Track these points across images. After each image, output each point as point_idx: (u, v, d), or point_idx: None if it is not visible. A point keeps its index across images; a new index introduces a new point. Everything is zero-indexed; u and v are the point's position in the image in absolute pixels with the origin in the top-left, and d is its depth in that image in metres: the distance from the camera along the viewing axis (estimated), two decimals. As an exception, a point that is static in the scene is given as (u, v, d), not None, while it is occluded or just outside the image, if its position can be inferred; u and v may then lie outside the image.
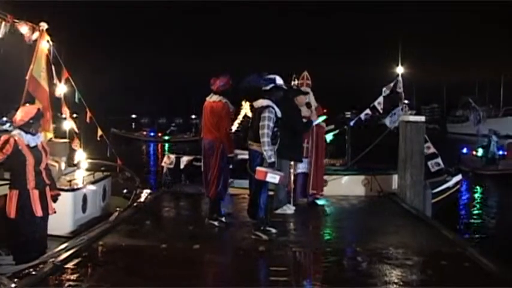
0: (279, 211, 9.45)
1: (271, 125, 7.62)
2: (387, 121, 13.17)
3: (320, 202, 10.48)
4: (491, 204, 19.59)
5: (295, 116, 9.43)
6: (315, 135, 10.31)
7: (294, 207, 9.79)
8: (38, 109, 7.10)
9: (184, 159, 12.67)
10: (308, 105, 10.03)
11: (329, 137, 12.50)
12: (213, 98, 8.57)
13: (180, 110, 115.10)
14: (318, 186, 10.46)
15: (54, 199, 7.10)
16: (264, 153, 7.57)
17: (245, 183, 8.77)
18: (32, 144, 6.75)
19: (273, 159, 7.60)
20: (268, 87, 7.87)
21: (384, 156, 12.18)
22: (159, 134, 56.73)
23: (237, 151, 9.11)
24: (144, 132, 58.48)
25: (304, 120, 9.66)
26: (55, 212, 7.04)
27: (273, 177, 7.61)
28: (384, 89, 13.19)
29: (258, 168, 7.62)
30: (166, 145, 49.65)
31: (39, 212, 6.75)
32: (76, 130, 10.92)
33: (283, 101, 8.50)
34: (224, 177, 8.62)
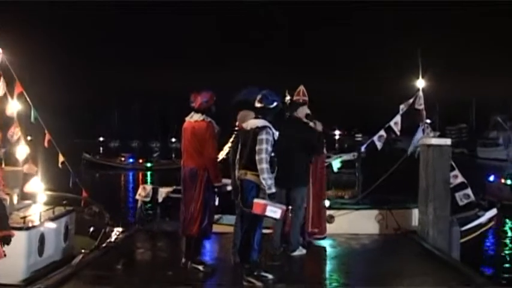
0: (296, 253, 9.47)
1: (270, 149, 7.64)
2: (411, 148, 13.11)
3: (320, 242, 10.45)
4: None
5: (312, 136, 9.55)
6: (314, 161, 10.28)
7: (304, 250, 9.76)
8: None
9: (163, 191, 12.64)
10: (308, 116, 10.04)
11: (336, 164, 12.51)
12: (194, 118, 8.54)
13: (155, 132, 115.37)
14: (319, 224, 10.43)
15: (6, 241, 6.93)
16: (263, 182, 7.55)
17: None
18: None
19: (273, 190, 7.59)
20: (272, 105, 7.95)
21: (402, 187, 12.19)
22: (140, 161, 57.21)
23: (225, 180, 9.08)
24: (122, 159, 59.00)
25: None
26: (5, 256, 6.91)
27: (273, 211, 7.56)
28: (401, 106, 13.19)
29: (256, 200, 7.57)
30: (149, 173, 49.81)
31: None
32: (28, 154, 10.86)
33: (293, 121, 9.11)
34: (209, 212, 8.56)
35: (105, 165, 55.27)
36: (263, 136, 7.65)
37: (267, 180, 7.54)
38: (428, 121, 13.15)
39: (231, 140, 11.25)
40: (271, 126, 7.80)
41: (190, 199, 8.41)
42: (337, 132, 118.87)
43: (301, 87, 10.46)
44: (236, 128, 8.95)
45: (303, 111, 9.91)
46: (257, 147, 7.63)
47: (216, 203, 8.90)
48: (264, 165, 7.55)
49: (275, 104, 8.03)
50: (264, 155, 7.57)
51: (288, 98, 10.63)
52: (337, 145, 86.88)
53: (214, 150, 8.47)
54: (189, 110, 8.71)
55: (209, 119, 8.47)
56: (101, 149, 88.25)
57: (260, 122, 7.81)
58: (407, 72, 13.54)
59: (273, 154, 7.70)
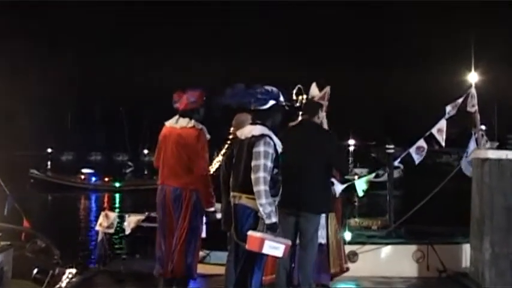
0: None
1: (270, 164, 7.54)
2: (465, 167, 13.06)
3: (339, 286, 10.43)
4: None
5: (338, 152, 9.51)
6: None
7: None
8: None
9: (132, 220, 12.62)
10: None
11: (361, 185, 12.50)
12: (180, 123, 8.51)
13: (121, 141, 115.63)
14: (336, 262, 10.36)
15: None
16: (260, 209, 7.46)
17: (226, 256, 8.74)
18: None
19: (273, 219, 7.48)
20: (266, 106, 7.85)
21: (449, 215, 12.18)
22: (106, 179, 57.69)
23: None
24: (83, 176, 59.48)
25: None
26: None
27: (273, 248, 7.47)
28: (447, 108, 13.14)
29: (251, 233, 7.48)
30: (117, 196, 50.05)
31: None
32: None
33: (308, 126, 9.11)
34: (195, 245, 8.53)
35: (61, 184, 55.63)
36: (260, 148, 7.52)
37: (265, 206, 7.41)
38: (483, 127, 13.11)
39: (223, 152, 11.30)
40: (271, 134, 7.68)
41: (173, 228, 8.37)
42: (351, 141, 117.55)
43: (327, 89, 10.33)
44: (230, 137, 8.91)
45: (322, 117, 9.87)
46: (252, 163, 7.51)
47: (204, 234, 8.89)
48: (262, 187, 7.43)
49: (271, 103, 7.83)
50: (261, 174, 7.45)
51: (304, 96, 10.62)
52: (351, 159, 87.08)
53: (207, 167, 8.45)
54: (168, 113, 8.69)
55: (200, 126, 8.45)
56: (49, 163, 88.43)
57: (257, 130, 7.69)
58: (456, 63, 13.54)
59: (275, 171, 7.61)
